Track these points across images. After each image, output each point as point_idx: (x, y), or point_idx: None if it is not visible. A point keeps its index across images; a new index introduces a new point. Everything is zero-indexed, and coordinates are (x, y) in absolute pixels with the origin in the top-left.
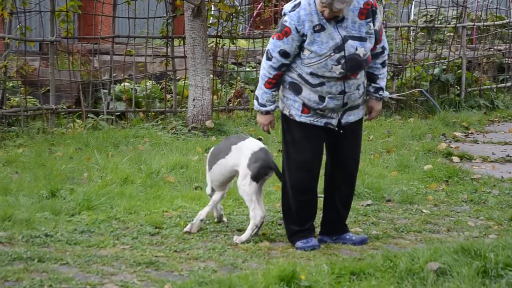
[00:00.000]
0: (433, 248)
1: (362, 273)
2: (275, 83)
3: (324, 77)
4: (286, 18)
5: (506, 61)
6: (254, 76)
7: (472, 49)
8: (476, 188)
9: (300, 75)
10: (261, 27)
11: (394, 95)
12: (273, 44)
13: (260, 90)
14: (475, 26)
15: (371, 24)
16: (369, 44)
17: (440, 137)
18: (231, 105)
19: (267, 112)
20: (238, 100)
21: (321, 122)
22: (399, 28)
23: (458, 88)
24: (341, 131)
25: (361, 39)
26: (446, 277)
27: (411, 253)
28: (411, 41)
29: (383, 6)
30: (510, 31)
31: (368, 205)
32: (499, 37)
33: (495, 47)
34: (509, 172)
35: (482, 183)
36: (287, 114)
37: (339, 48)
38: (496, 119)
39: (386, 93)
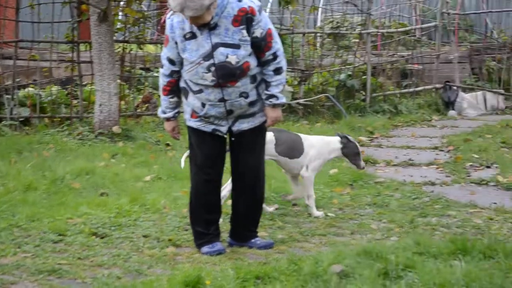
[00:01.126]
0: (337, 251)
1: (267, 277)
2: (169, 89)
3: (200, 84)
4: (165, 25)
5: (409, 67)
6: None
7: (377, 55)
8: (379, 191)
9: (185, 82)
10: None
11: (301, 101)
12: (163, 53)
13: (161, 98)
14: (379, 33)
15: (244, 31)
16: (244, 52)
17: None
18: (139, 110)
19: (168, 119)
20: (146, 105)
21: (208, 128)
22: (306, 34)
23: (364, 93)
24: (233, 139)
25: (234, 46)
26: (349, 279)
27: (315, 257)
28: (317, 47)
29: (290, 13)
30: (412, 38)
31: (275, 209)
32: (402, 43)
33: (399, 53)
34: (411, 176)
35: (385, 187)
36: (185, 118)
37: (208, 56)
38: (400, 124)
39: (282, 100)
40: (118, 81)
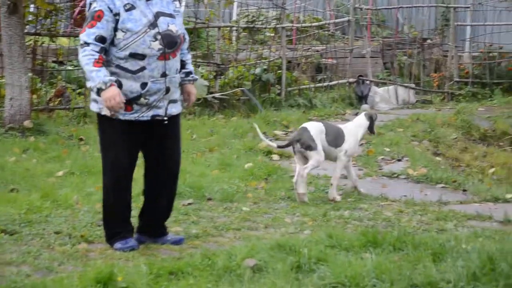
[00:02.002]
0: (250, 245)
1: (181, 272)
2: (103, 61)
3: (145, 57)
4: (94, 4)
5: (323, 62)
6: (76, 75)
7: (292, 50)
8: (293, 185)
9: (118, 66)
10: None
11: (217, 95)
12: (86, 35)
13: (92, 73)
14: (294, 27)
15: (177, 2)
16: (179, 21)
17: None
18: (51, 104)
19: (111, 84)
20: (59, 99)
21: (147, 116)
22: (221, 28)
23: (279, 87)
24: (165, 122)
25: (171, 16)
26: (262, 273)
27: (229, 251)
28: (233, 41)
29: (205, 6)
30: (327, 32)
31: (189, 204)
32: (316, 38)
33: (313, 48)
34: (325, 169)
35: None
36: (108, 114)
37: (153, 24)
38: (314, 118)
39: (196, 76)
40: (30, 74)
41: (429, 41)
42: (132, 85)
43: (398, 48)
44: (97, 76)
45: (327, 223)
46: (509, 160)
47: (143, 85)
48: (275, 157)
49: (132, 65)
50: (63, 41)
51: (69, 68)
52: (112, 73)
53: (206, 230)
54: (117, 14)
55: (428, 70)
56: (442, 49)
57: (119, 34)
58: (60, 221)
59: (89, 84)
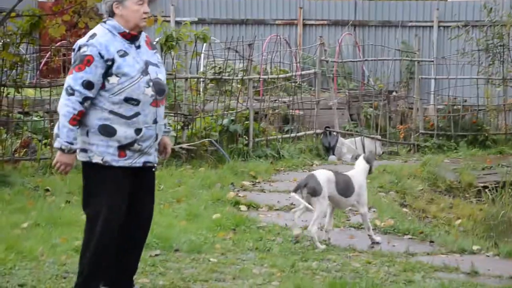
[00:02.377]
0: None
1: None
2: (79, 120)
3: (139, 103)
4: (84, 48)
5: (290, 113)
6: (42, 126)
7: (259, 101)
8: (261, 236)
9: (112, 112)
10: (50, 76)
11: (184, 145)
12: (73, 78)
13: (64, 128)
14: (261, 79)
15: (158, 55)
16: (163, 71)
17: (229, 186)
18: (17, 155)
19: (73, 151)
20: (25, 150)
21: (139, 162)
22: (189, 79)
23: (246, 138)
24: (154, 169)
25: (157, 65)
26: None
27: None
28: (200, 92)
29: (172, 58)
30: (293, 84)
31: (156, 255)
32: (283, 89)
33: (280, 99)
34: (293, 220)
35: (267, 231)
36: (100, 162)
37: (145, 71)
38: (282, 168)
39: (170, 129)
40: None
41: (394, 93)
42: (126, 131)
43: (364, 100)
44: (67, 135)
45: (295, 274)
46: (475, 211)
47: (138, 131)
48: (243, 207)
49: (127, 110)
50: (29, 92)
51: (35, 119)
52: (105, 119)
53: (173, 281)
54: (109, 60)
55: (394, 122)
56: (408, 102)
57: (113, 79)
58: (24, 274)
59: (55, 133)
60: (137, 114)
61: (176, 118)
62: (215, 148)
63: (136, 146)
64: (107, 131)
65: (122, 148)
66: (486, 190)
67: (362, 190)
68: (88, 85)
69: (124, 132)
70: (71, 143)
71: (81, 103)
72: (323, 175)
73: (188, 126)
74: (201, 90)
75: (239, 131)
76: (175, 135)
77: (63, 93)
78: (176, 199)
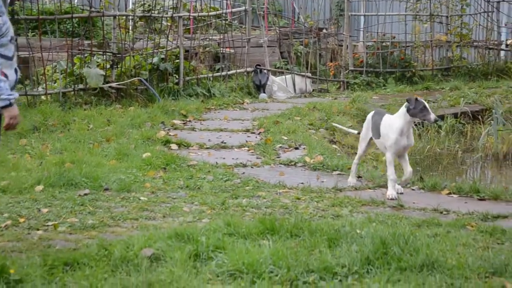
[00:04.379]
0: (148, 234)
1: (76, 263)
2: None
3: (13, 41)
4: None
5: (221, 51)
6: None
7: (189, 39)
8: (192, 174)
9: (1, 55)
10: None
11: (113, 84)
12: None
13: (1, 83)
14: (191, 17)
15: None
16: None
17: (159, 125)
18: None
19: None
20: None
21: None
22: (117, 17)
23: (177, 77)
24: None
25: None
26: (160, 262)
27: (126, 241)
28: (129, 30)
29: None
30: (224, 22)
31: (85, 194)
32: (214, 27)
33: (211, 37)
34: (223, 158)
35: (198, 169)
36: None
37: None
38: (213, 107)
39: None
40: None
41: (324, 30)
42: (11, 73)
43: (294, 38)
44: (5, 88)
45: (225, 211)
46: None
47: (15, 71)
48: (174, 146)
49: (10, 50)
50: None
51: None
52: None
53: (103, 220)
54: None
55: (324, 59)
56: (337, 39)
57: (1, 19)
58: None
59: None
60: (14, 53)
61: (105, 56)
62: (145, 87)
63: (15, 89)
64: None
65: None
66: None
67: (387, 135)
68: None
69: (11, 75)
70: (13, 92)
71: None
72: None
73: (117, 64)
74: (130, 28)
75: (170, 70)
76: (104, 73)
77: None
78: (105, 138)
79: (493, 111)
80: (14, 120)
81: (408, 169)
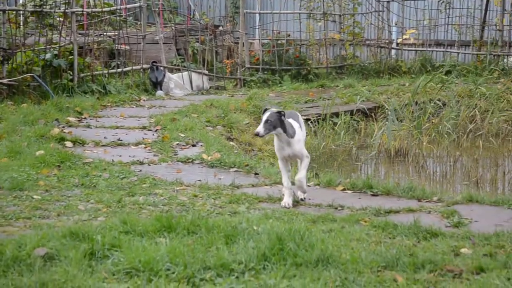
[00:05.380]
0: (41, 233)
1: None
2: None
3: None
4: None
5: (117, 48)
6: None
7: (83, 35)
8: (87, 172)
9: None
10: None
11: (4, 80)
12: None
13: None
14: (84, 12)
15: None
16: None
17: (54, 122)
18: None
19: None
20: None
21: None
22: (7, 11)
23: (71, 73)
24: None
25: None
26: (54, 261)
27: (18, 240)
28: (21, 25)
29: None
30: (119, 18)
31: None
32: (109, 23)
33: (106, 33)
34: (120, 156)
35: (93, 167)
36: None
37: None
38: (109, 104)
39: None
40: None
41: (220, 28)
42: None
43: (190, 35)
44: None
45: (122, 209)
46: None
47: None
48: (69, 144)
49: None
50: None
51: None
52: None
53: None
54: None
55: (221, 56)
56: (233, 36)
57: None
58: None
59: None
60: None
61: None
62: (38, 83)
63: None
64: None
65: None
66: (309, 122)
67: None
68: None
69: None
70: None
71: None
72: None
73: (8, 60)
74: (21, 23)
75: (63, 66)
76: None
77: None
78: None
79: (387, 110)
80: None
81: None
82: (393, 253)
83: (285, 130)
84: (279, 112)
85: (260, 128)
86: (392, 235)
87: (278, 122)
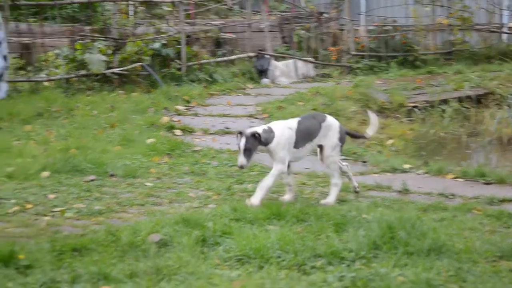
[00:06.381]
0: (155, 220)
1: (85, 248)
2: None
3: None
4: None
5: (223, 36)
6: None
7: (191, 24)
8: (197, 159)
9: None
10: None
11: (116, 70)
12: None
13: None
14: (192, 2)
15: None
16: None
17: (163, 110)
18: None
19: None
20: None
21: (5, 92)
22: (117, 2)
23: (179, 62)
24: None
25: None
26: (168, 247)
27: (133, 226)
28: (130, 16)
29: None
30: (225, 6)
31: (91, 180)
32: (215, 12)
33: (212, 22)
34: (228, 144)
35: (202, 155)
36: None
37: None
38: (216, 93)
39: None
40: None
41: (325, 15)
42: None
43: (296, 22)
44: None
45: (231, 196)
46: (406, 131)
47: (4, 58)
48: (178, 132)
49: None
50: None
51: None
52: None
53: (109, 206)
54: None
55: (326, 44)
56: (339, 23)
57: None
58: None
59: None
60: (2, 41)
61: (106, 42)
62: (147, 72)
63: (5, 76)
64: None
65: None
66: (416, 110)
67: None
68: None
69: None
70: None
71: None
72: None
73: (119, 50)
74: (130, 13)
75: (172, 55)
76: (106, 59)
77: None
78: (109, 124)
79: (500, 97)
80: None
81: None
82: (509, 242)
83: (266, 143)
84: (253, 135)
85: (242, 160)
86: (507, 225)
87: (257, 143)
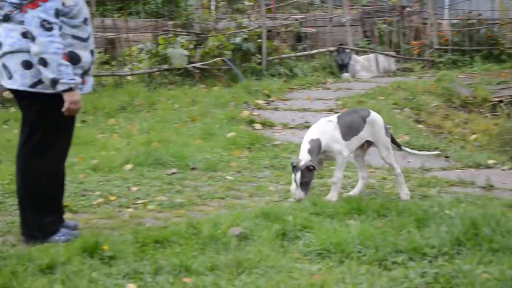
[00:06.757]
0: (235, 213)
1: (166, 241)
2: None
3: (87, 23)
4: None
5: (303, 30)
6: None
7: (272, 19)
8: (277, 154)
9: (74, 36)
10: None
11: (197, 64)
12: (43, 11)
13: (62, 67)
14: None
15: None
16: None
17: (243, 105)
18: None
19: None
20: None
21: (91, 86)
22: None
23: (260, 56)
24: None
25: None
26: (248, 241)
27: (214, 219)
28: (212, 10)
29: None
30: (306, 1)
31: (173, 173)
32: (296, 6)
33: (293, 16)
34: None
35: (282, 149)
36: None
37: None
38: (296, 87)
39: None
40: None
41: (408, 8)
42: (87, 56)
43: (377, 16)
44: (67, 72)
45: (311, 191)
46: (490, 126)
47: (91, 52)
48: (258, 126)
49: (83, 32)
50: None
51: None
52: (69, 45)
53: (190, 199)
54: None
55: (408, 38)
56: (421, 17)
57: (69, 1)
58: None
59: (52, 75)
60: (90, 35)
61: (188, 37)
62: (228, 67)
63: (91, 70)
64: (74, 59)
65: (84, 75)
66: (501, 104)
67: None
68: (57, 13)
69: (86, 56)
70: (75, 77)
71: (61, 35)
72: None
73: (200, 45)
74: (212, 8)
75: (252, 50)
76: (188, 54)
77: (38, 30)
78: (190, 118)
79: None
80: (75, 105)
81: None
82: None
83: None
84: (307, 168)
85: (300, 194)
86: None
87: (312, 174)
